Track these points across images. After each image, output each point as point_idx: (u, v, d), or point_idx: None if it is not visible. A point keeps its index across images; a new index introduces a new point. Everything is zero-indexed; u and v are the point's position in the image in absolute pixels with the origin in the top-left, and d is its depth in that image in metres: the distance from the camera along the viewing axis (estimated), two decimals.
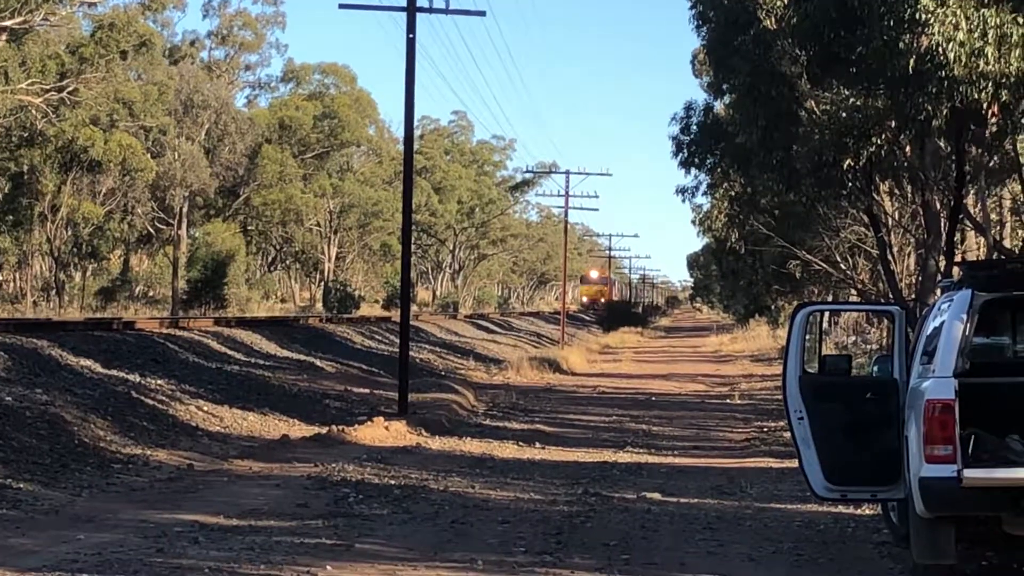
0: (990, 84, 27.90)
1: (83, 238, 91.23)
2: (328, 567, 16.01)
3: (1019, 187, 33.79)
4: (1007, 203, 44.31)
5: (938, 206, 35.90)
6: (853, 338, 57.57)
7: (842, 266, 57.88)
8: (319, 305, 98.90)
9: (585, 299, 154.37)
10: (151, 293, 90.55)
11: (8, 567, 15.35)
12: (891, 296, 41.40)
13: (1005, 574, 16.60)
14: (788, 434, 18.54)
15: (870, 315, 44.98)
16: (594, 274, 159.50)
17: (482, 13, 45.37)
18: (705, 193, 64.54)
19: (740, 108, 40.29)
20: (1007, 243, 38.39)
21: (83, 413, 28.20)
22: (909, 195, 40.83)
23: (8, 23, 72.37)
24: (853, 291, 57.30)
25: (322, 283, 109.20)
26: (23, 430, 25.15)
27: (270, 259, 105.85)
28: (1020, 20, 26.81)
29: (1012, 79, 27.86)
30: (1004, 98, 29.02)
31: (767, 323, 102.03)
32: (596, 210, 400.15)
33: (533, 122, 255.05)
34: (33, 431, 25.36)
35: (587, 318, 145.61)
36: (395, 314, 58.19)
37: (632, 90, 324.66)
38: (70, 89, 78.02)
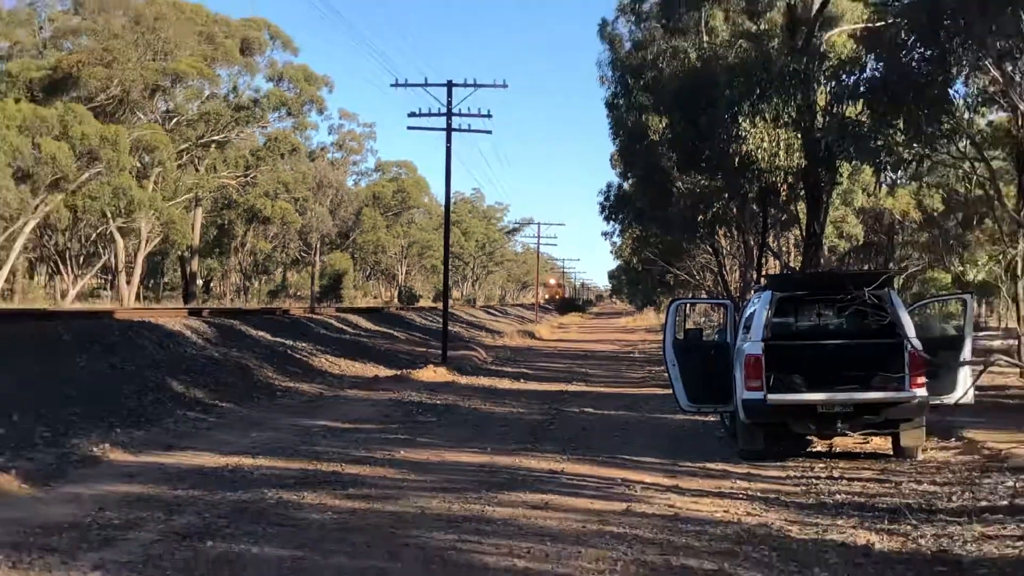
0: (782, 173, 28.01)
1: (259, 262, 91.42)
2: (402, 451, 16.22)
3: (799, 232, 33.73)
4: (792, 241, 44.11)
5: (752, 243, 35.85)
6: (704, 319, 57.53)
7: (697, 277, 58.06)
8: (395, 300, 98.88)
9: (547, 296, 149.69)
10: (298, 294, 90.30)
11: (216, 452, 15.47)
12: (725, 294, 41.43)
13: (790, 453, 16.64)
14: (666, 375, 18.55)
15: (714, 306, 44.55)
16: (552, 281, 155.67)
17: (489, 132, 45.52)
18: (618, 235, 64.94)
19: (638, 187, 40.82)
20: (792, 264, 38.42)
21: (259, 362, 28.39)
22: (735, 236, 40.80)
23: (217, 138, 72.42)
24: (704, 292, 57.32)
25: (397, 287, 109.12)
26: (224, 372, 25.31)
27: (367, 273, 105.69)
28: (799, 136, 26.87)
29: (794, 170, 27.96)
30: (789, 181, 29.28)
31: (655, 310, 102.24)
32: (555, 245, 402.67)
33: (519, 188, 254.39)
34: (230, 373, 25.50)
35: (549, 307, 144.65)
36: (440, 305, 57.88)
37: (579, 164, 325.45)
38: (251, 176, 78.24)
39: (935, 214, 45.73)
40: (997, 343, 37.43)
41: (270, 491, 12.37)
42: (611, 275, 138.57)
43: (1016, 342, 33.17)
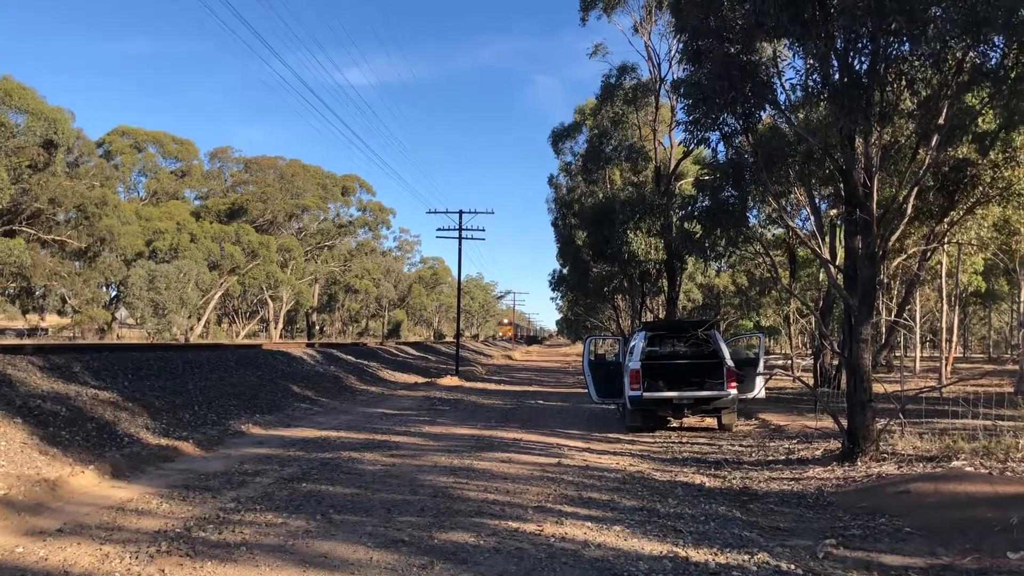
0: (652, 263, 27.72)
1: (352, 315, 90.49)
2: (425, 428, 15.69)
3: (663, 297, 33.48)
4: (660, 302, 43.75)
5: (636, 303, 35.52)
6: (610, 347, 57.21)
7: (606, 324, 57.52)
8: (432, 337, 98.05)
9: (501, 333, 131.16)
10: (374, 334, 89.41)
11: (315, 428, 14.97)
12: (619, 333, 41.05)
13: (657, 427, 16.27)
14: (584, 381, 18.17)
15: (615, 340, 44.24)
16: (505, 321, 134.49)
17: (483, 239, 45.55)
18: (560, 299, 64.36)
19: (571, 271, 40.26)
20: (660, 316, 38.11)
21: (346, 374, 27.63)
22: (627, 299, 40.50)
23: (327, 244, 72.10)
24: (609, 332, 56.87)
25: (433, 329, 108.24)
26: (325, 380, 24.63)
27: (415, 321, 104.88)
28: (662, 241, 26.66)
29: (659, 261, 27.69)
30: (657, 267, 28.89)
31: (582, 342, 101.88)
32: (524, 303, 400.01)
33: (504, 271, 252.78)
34: (328, 381, 24.81)
35: (521, 341, 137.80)
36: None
37: (538, 256, 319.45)
38: (348, 265, 77.70)
39: (743, 287, 45.75)
40: (780, 362, 37.18)
41: (344, 452, 11.93)
42: (557, 322, 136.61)
43: (790, 362, 32.90)
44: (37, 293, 45.16)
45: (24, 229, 37.81)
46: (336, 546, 6.67)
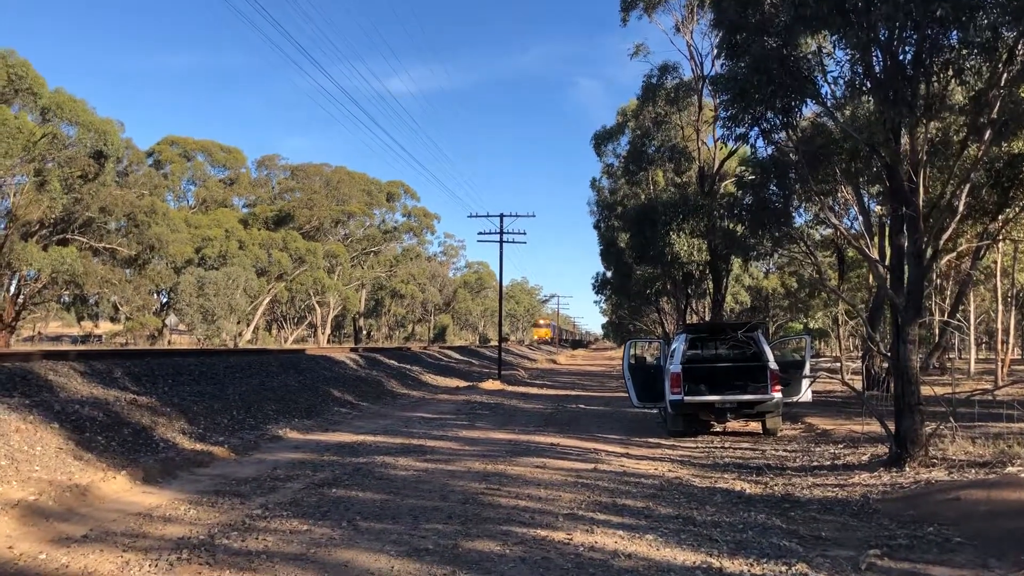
0: (696, 264, 27.25)
1: (398, 320, 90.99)
2: (463, 432, 15.52)
3: (708, 300, 32.87)
4: (706, 304, 43.07)
5: (681, 306, 34.97)
6: (653, 350, 56.51)
7: (652, 327, 56.87)
8: (477, 341, 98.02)
9: (536, 337, 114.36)
10: (420, 338, 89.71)
11: (352, 433, 14.90)
12: (665, 335, 40.50)
13: (699, 432, 15.91)
14: (625, 385, 17.85)
15: (658, 342, 43.61)
16: (542, 321, 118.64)
17: (525, 242, 45.40)
18: (604, 301, 63.92)
19: (614, 274, 39.82)
20: (706, 318, 37.46)
21: (387, 378, 27.59)
22: (673, 302, 39.90)
23: (373, 249, 72.56)
24: (654, 335, 56.23)
25: (477, 334, 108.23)
26: (366, 385, 24.59)
27: (461, 326, 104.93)
28: (705, 242, 26.18)
29: (703, 262, 27.19)
30: (701, 269, 28.37)
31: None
32: (568, 307, 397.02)
33: (549, 274, 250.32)
34: (369, 385, 24.78)
35: (566, 345, 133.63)
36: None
37: (581, 259, 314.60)
38: (393, 270, 78.10)
39: (792, 289, 44.92)
40: (827, 365, 36.36)
41: (379, 457, 11.81)
42: (603, 326, 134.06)
43: (839, 364, 32.12)
44: (90, 301, 46.14)
45: (76, 238, 38.62)
46: (358, 554, 6.51)
